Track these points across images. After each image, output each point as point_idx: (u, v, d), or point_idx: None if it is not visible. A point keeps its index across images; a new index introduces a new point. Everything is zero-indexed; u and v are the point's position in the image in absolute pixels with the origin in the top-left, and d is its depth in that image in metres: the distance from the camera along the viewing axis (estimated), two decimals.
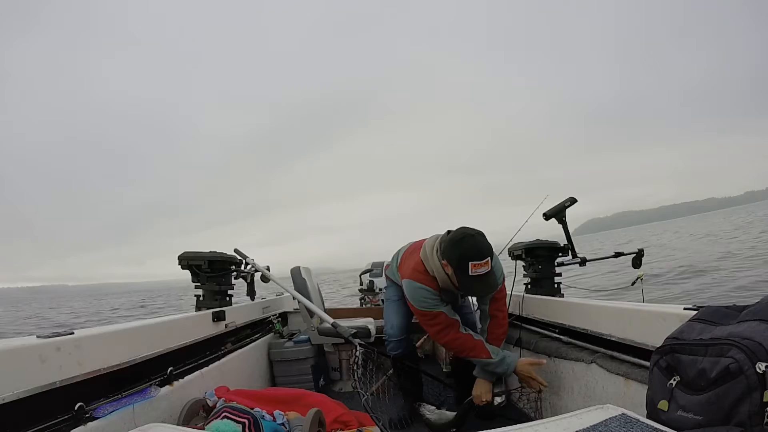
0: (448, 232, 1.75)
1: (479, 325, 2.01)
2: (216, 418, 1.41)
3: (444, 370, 2.91)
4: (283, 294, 3.07)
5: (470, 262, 1.57)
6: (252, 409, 1.54)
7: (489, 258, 1.60)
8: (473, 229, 1.66)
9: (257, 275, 2.55)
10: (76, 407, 1.14)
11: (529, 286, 2.42)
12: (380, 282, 4.50)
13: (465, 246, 1.60)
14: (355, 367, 1.73)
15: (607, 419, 0.71)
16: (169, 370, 1.58)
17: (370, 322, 2.81)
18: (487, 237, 1.68)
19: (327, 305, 3.16)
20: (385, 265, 3.12)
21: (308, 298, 2.62)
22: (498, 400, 1.93)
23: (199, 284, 2.29)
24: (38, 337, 1.13)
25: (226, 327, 2.17)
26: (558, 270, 2.36)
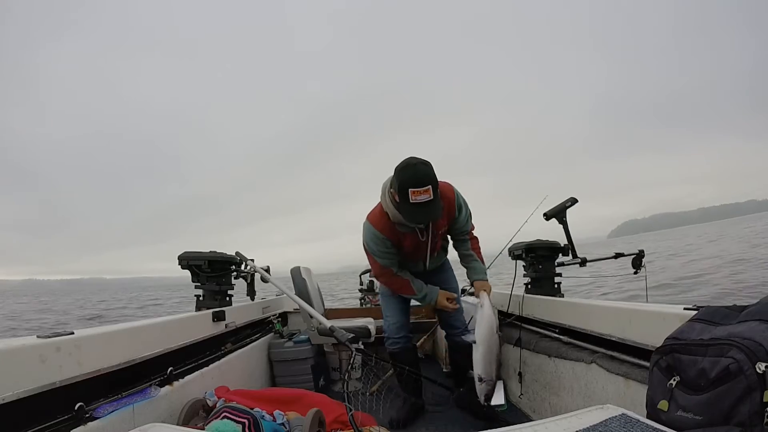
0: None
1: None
2: (216, 418, 1.41)
3: (444, 370, 2.91)
4: (283, 294, 3.08)
5: (410, 189, 1.63)
6: (252, 409, 1.54)
7: (430, 186, 1.62)
8: (417, 158, 1.69)
9: (257, 275, 2.55)
10: (76, 407, 1.14)
11: (529, 286, 2.42)
12: None
13: (406, 174, 1.65)
14: (348, 375, 1.73)
15: (607, 419, 0.72)
16: (169, 370, 1.58)
17: (370, 322, 2.81)
18: (433, 168, 1.68)
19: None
20: None
21: (308, 297, 2.62)
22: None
23: (199, 284, 2.29)
24: (38, 337, 1.13)
25: (226, 327, 2.17)
26: (558, 270, 2.36)
